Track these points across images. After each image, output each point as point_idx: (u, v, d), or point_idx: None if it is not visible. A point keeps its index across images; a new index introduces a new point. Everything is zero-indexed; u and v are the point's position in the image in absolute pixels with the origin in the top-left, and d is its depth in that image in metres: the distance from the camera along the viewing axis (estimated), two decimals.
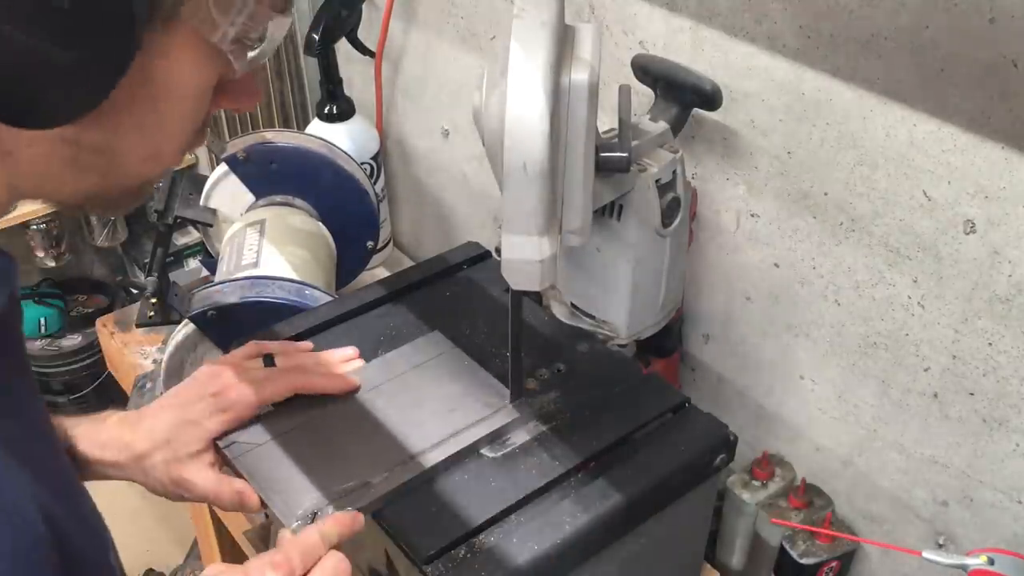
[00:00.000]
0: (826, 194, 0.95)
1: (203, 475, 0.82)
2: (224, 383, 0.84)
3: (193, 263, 2.03)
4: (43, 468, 0.56)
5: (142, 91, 0.52)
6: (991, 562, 0.77)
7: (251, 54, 0.57)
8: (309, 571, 0.68)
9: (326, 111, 1.46)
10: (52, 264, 2.31)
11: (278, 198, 1.29)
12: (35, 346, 2.31)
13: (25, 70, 0.47)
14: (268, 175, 1.28)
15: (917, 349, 0.93)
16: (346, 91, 1.48)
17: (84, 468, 0.82)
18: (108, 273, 2.57)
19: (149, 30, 0.50)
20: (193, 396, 0.85)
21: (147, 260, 1.23)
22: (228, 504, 0.82)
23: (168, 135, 0.56)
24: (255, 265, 1.16)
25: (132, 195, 0.60)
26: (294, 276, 1.14)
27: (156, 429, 0.83)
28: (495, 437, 0.84)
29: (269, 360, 0.89)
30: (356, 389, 0.88)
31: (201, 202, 1.31)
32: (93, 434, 0.83)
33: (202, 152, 2.10)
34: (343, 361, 0.92)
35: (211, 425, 0.83)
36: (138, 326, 1.20)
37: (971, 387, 0.90)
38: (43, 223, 2.21)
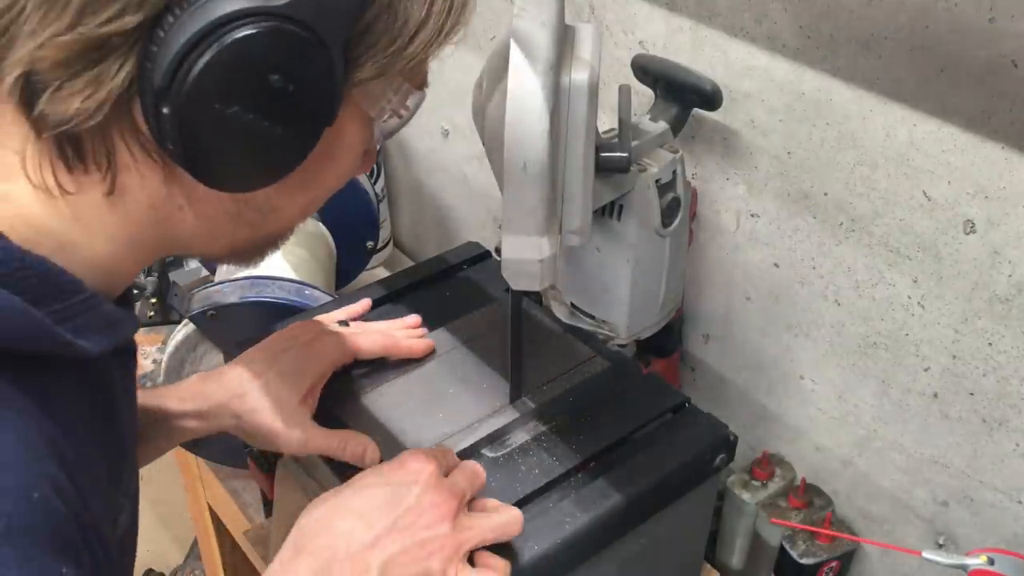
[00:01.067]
0: (826, 194, 0.95)
1: (304, 432, 0.81)
2: (316, 333, 0.86)
3: (193, 263, 2.03)
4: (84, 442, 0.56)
5: (317, 158, 0.56)
6: (991, 562, 0.77)
7: (393, 124, 0.62)
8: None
9: None
10: None
11: None
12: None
13: (233, 139, 0.52)
14: None
15: (917, 349, 0.93)
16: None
17: (171, 427, 0.82)
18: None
19: (341, 105, 0.55)
20: (281, 347, 0.84)
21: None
22: (350, 455, 0.80)
23: (324, 193, 0.62)
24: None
25: (274, 245, 0.65)
26: (294, 276, 1.14)
27: (243, 374, 0.82)
28: (495, 437, 0.84)
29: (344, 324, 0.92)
30: (433, 350, 0.92)
31: None
32: (175, 391, 0.83)
33: None
34: (412, 328, 0.95)
35: (303, 380, 0.82)
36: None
37: (971, 387, 0.90)
38: None
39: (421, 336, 0.94)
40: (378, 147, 0.64)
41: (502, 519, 0.71)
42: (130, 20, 0.48)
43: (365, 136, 0.60)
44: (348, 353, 0.87)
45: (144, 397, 0.80)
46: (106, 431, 0.60)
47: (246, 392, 0.81)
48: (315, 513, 0.68)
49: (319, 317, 0.93)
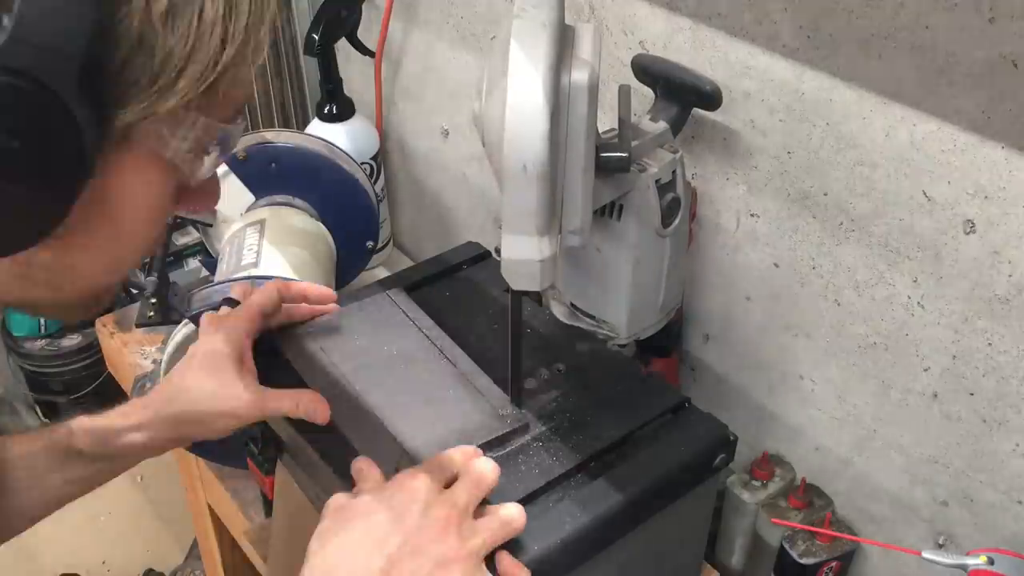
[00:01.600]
0: (826, 194, 0.95)
1: (255, 395, 0.82)
2: (213, 318, 0.88)
3: (193, 263, 2.03)
4: None
5: (95, 210, 0.52)
6: (991, 562, 0.77)
7: (207, 161, 0.58)
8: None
9: (326, 111, 1.46)
10: None
11: (278, 198, 1.29)
12: (35, 346, 2.31)
13: None
14: (268, 175, 1.28)
15: (917, 349, 0.93)
16: (346, 91, 1.48)
17: (118, 444, 0.82)
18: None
19: (101, 153, 0.50)
20: (197, 343, 0.86)
21: (147, 260, 1.22)
22: (302, 410, 0.82)
23: (126, 247, 0.57)
24: (255, 265, 1.16)
25: (90, 302, 0.61)
26: (294, 276, 1.14)
27: (171, 377, 0.84)
28: (495, 437, 0.84)
29: (231, 302, 0.92)
30: (333, 299, 0.93)
31: None
32: (118, 408, 0.84)
33: None
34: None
35: (223, 347, 0.83)
36: (138, 326, 1.20)
37: (971, 387, 0.90)
38: None
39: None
40: (211, 175, 0.60)
41: (505, 515, 0.72)
42: None
43: (161, 178, 0.55)
44: (253, 315, 0.86)
45: (91, 421, 0.82)
46: None
47: (175, 393, 0.83)
48: (325, 552, 0.68)
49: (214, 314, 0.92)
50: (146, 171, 0.54)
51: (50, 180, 0.49)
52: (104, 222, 0.54)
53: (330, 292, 0.95)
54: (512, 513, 0.72)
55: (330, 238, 1.29)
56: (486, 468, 0.74)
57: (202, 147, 0.56)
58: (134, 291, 2.40)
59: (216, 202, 0.62)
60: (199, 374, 0.83)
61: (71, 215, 0.50)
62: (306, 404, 0.82)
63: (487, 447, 0.83)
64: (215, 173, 0.61)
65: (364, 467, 0.77)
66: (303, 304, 0.93)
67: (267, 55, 1.71)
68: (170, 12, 0.49)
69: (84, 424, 0.83)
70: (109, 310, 1.44)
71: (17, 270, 0.53)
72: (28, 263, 0.53)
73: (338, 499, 0.73)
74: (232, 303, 0.91)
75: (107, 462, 0.84)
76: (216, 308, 1.08)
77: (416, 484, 0.70)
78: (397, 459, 0.78)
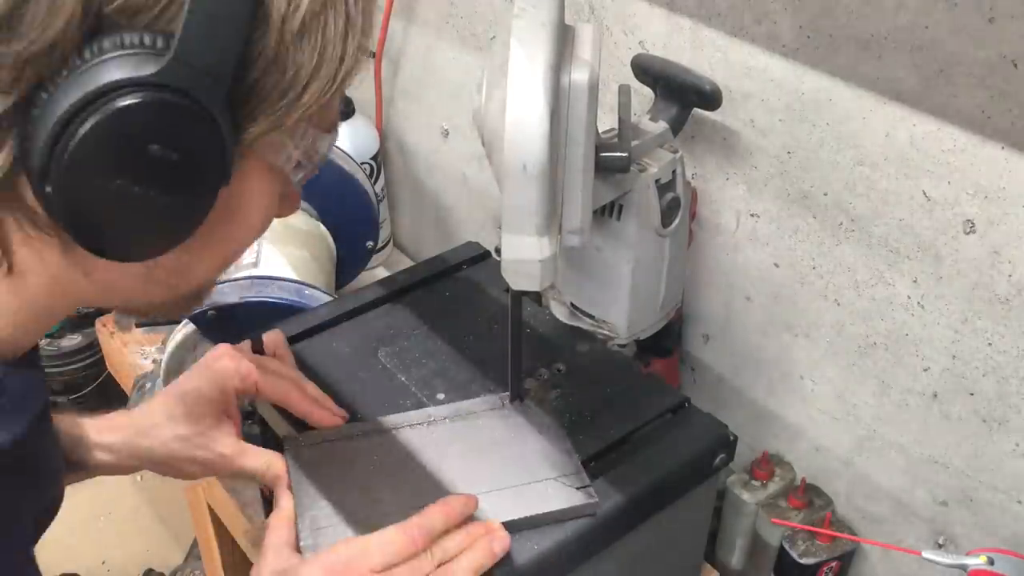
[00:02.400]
0: (826, 194, 0.95)
1: (232, 447, 0.81)
2: (217, 355, 0.84)
3: None
4: None
5: (221, 215, 0.55)
6: (991, 562, 0.77)
7: (308, 168, 0.60)
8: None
9: None
10: None
11: None
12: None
13: (123, 212, 0.51)
14: None
15: (917, 349, 0.93)
16: (346, 91, 1.48)
17: (86, 457, 0.81)
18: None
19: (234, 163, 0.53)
20: (186, 375, 0.84)
21: None
22: (273, 477, 0.80)
23: (237, 248, 0.61)
24: (255, 265, 1.16)
25: (195, 299, 0.63)
26: (294, 276, 1.14)
27: (154, 407, 0.83)
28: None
29: (258, 344, 0.89)
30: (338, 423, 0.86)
31: None
32: (96, 421, 0.83)
33: None
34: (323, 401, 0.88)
35: (210, 392, 0.81)
36: (138, 326, 1.20)
37: (971, 387, 0.90)
38: None
39: (332, 411, 0.87)
40: (299, 189, 0.63)
41: (476, 555, 0.71)
42: (1, 104, 0.47)
43: (273, 185, 0.59)
44: (248, 381, 0.83)
45: (67, 424, 0.81)
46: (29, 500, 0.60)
47: (149, 428, 0.81)
48: None
49: (235, 346, 0.88)
50: (264, 178, 0.57)
51: (198, 190, 0.52)
52: (227, 225, 0.57)
53: (340, 416, 0.88)
54: (485, 548, 0.71)
55: (330, 238, 1.29)
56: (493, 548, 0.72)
57: (308, 155, 0.58)
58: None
59: (296, 207, 0.64)
60: (177, 415, 0.81)
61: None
62: (276, 470, 0.80)
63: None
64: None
65: (280, 495, 0.77)
66: (307, 397, 0.87)
67: None
68: (301, 32, 0.51)
69: (62, 427, 0.81)
70: (109, 308, 1.45)
71: (143, 272, 0.55)
72: (154, 265, 0.55)
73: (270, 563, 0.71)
74: (257, 344, 0.89)
75: (73, 468, 0.82)
76: (214, 310, 1.08)
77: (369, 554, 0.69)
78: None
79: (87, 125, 0.47)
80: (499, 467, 0.80)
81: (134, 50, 0.47)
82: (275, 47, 0.51)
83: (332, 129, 0.60)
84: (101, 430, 0.82)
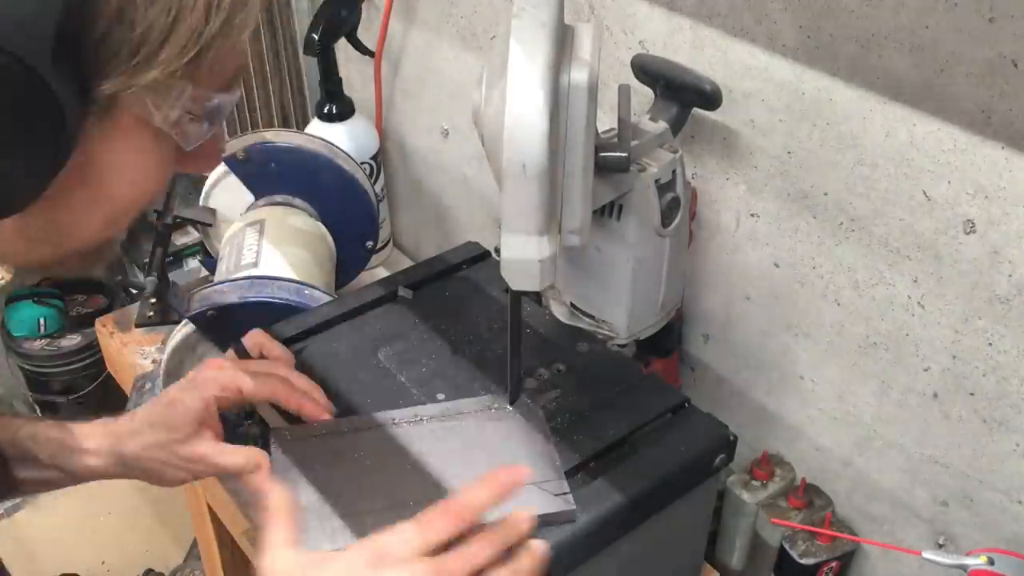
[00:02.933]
0: (826, 194, 0.95)
1: (210, 448, 0.82)
2: (202, 367, 0.86)
3: (193, 263, 2.03)
4: None
5: (84, 174, 0.53)
6: (991, 562, 0.77)
7: (200, 128, 0.58)
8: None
9: (326, 111, 1.46)
10: None
11: (278, 198, 1.29)
12: (35, 346, 2.31)
13: None
14: (268, 175, 1.28)
15: (917, 349, 0.93)
16: (345, 91, 1.48)
17: (72, 460, 0.82)
18: (107, 273, 2.56)
19: (85, 122, 0.51)
20: (171, 386, 0.86)
21: (147, 260, 1.23)
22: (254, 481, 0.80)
23: (120, 205, 0.58)
24: (255, 265, 1.16)
25: (93, 255, 0.61)
26: (294, 276, 1.14)
27: (137, 414, 0.84)
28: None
29: (241, 349, 0.90)
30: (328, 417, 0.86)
31: (200, 202, 1.31)
32: (81, 425, 0.84)
33: None
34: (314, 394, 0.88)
35: (191, 401, 0.82)
36: (137, 326, 1.20)
37: (971, 387, 0.90)
38: None
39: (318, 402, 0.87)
40: (196, 143, 0.60)
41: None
42: None
43: (151, 142, 0.56)
44: (230, 387, 0.84)
45: (57, 431, 0.82)
46: None
47: (130, 434, 0.82)
48: None
49: (221, 358, 0.90)
50: (135, 138, 0.55)
51: (33, 152, 0.50)
52: (94, 184, 0.55)
53: (327, 409, 0.87)
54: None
55: (330, 238, 1.29)
56: (486, 547, 0.67)
57: (192, 114, 0.56)
58: (134, 291, 2.41)
59: (216, 163, 0.63)
60: (156, 422, 0.82)
61: (61, 179, 0.52)
62: (256, 462, 0.80)
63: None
64: (216, 135, 0.61)
65: (266, 490, 0.75)
66: (295, 390, 0.87)
67: (266, 55, 1.72)
68: None
69: (49, 433, 0.83)
70: (109, 309, 1.45)
71: (16, 231, 0.55)
72: (25, 224, 0.54)
73: (277, 570, 0.69)
74: (240, 348, 0.90)
75: (61, 473, 0.83)
76: (214, 310, 1.08)
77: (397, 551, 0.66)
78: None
79: None
80: (481, 468, 0.79)
81: None
82: (119, 2, 0.49)
83: (227, 88, 0.58)
84: (87, 435, 0.83)
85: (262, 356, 0.91)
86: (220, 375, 0.84)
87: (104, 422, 0.85)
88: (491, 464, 0.75)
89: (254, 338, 0.92)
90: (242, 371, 0.85)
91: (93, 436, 0.83)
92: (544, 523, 0.75)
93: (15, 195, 0.52)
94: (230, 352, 0.91)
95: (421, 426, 0.85)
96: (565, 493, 0.78)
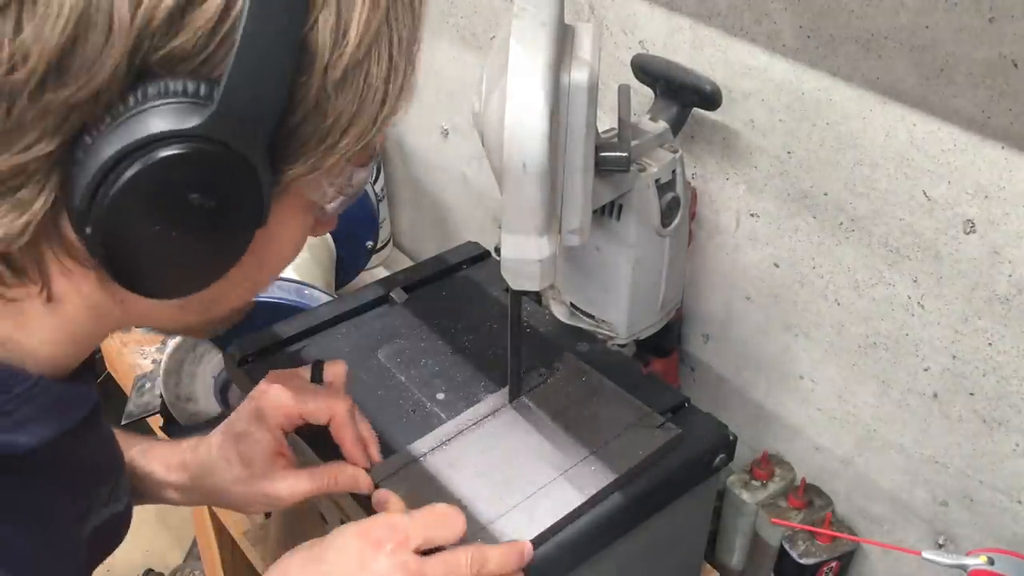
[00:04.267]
0: (826, 194, 0.95)
1: (288, 481, 0.80)
2: (261, 389, 0.83)
3: None
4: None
5: (255, 252, 0.55)
6: (991, 562, 0.77)
7: (344, 197, 0.60)
8: None
9: None
10: None
11: None
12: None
13: (160, 254, 0.51)
14: None
15: (917, 349, 0.93)
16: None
17: (156, 493, 0.83)
18: None
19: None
20: (235, 414, 0.83)
21: None
22: (342, 486, 0.80)
23: (270, 275, 0.62)
24: None
25: (225, 321, 0.64)
26: (293, 276, 1.14)
27: (212, 446, 0.82)
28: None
29: (318, 373, 0.85)
30: (368, 486, 0.82)
31: None
32: (163, 455, 0.84)
33: None
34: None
35: (260, 436, 0.80)
36: (137, 326, 1.20)
37: (971, 387, 0.90)
38: None
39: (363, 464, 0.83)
40: (334, 216, 0.63)
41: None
42: (46, 147, 0.47)
43: (307, 219, 0.60)
44: (293, 415, 0.81)
45: (137, 457, 0.82)
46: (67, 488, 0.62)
47: (209, 470, 0.81)
48: None
49: (290, 371, 0.86)
50: (299, 214, 0.58)
51: (234, 233, 0.53)
52: (260, 258, 0.57)
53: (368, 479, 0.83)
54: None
55: (330, 238, 1.30)
56: (474, 554, 0.70)
57: (343, 189, 0.58)
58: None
59: (335, 225, 0.65)
60: (232, 458, 0.80)
61: None
62: (346, 478, 0.80)
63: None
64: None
65: (360, 477, 0.77)
66: (353, 447, 0.83)
67: None
68: (343, 79, 0.51)
69: (141, 462, 0.83)
70: None
71: (178, 304, 0.56)
72: (189, 297, 0.56)
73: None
74: (318, 371, 0.85)
75: (140, 499, 0.83)
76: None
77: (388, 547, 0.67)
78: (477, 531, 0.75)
79: (128, 173, 0.47)
80: (559, 445, 0.82)
81: (177, 99, 0.47)
82: (316, 94, 0.50)
83: (368, 162, 0.60)
84: (170, 468, 0.83)
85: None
86: (283, 403, 0.81)
87: (185, 449, 0.83)
88: (567, 437, 0.82)
89: (334, 368, 0.86)
90: (304, 394, 0.82)
91: (176, 469, 0.83)
92: (662, 456, 0.82)
93: (210, 272, 0.54)
94: (304, 369, 0.86)
95: (446, 450, 0.83)
96: (663, 423, 0.84)
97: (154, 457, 0.83)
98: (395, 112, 0.55)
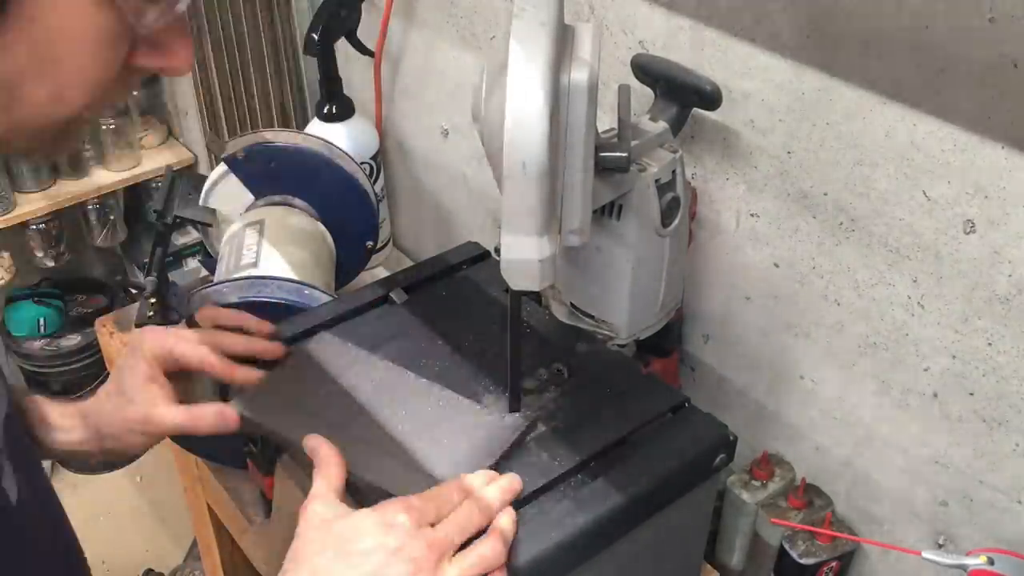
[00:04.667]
0: (826, 194, 0.95)
1: (162, 408, 0.85)
2: (142, 329, 0.91)
3: (192, 263, 2.03)
4: None
5: (29, 30, 0.52)
6: (991, 562, 0.77)
7: (155, 9, 0.55)
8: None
9: (325, 111, 1.46)
10: (51, 264, 2.31)
11: (277, 198, 1.29)
12: (35, 346, 2.32)
13: None
14: (267, 175, 1.28)
15: (917, 349, 0.93)
16: (345, 91, 1.48)
17: (49, 436, 0.87)
18: (107, 273, 2.56)
19: None
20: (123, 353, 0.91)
21: (146, 260, 1.23)
22: (207, 426, 0.85)
23: (69, 78, 0.56)
24: (254, 265, 1.16)
25: (51, 136, 0.59)
26: (293, 276, 1.14)
27: (97, 391, 0.89)
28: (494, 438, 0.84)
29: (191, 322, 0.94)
30: (278, 352, 0.91)
31: (200, 202, 1.30)
32: (59, 406, 0.89)
33: (201, 152, 2.10)
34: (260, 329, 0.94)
35: (132, 362, 0.87)
36: (137, 326, 1.20)
37: (971, 387, 0.90)
38: (42, 223, 2.21)
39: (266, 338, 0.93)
40: (174, 28, 0.57)
41: (483, 551, 0.71)
42: None
43: (99, 14, 0.54)
44: (164, 347, 0.88)
45: (32, 404, 0.88)
46: None
47: (94, 405, 0.88)
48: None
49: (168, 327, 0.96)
50: (82, 9, 0.53)
51: None
52: (40, 44, 0.53)
53: (267, 324, 0.95)
54: (487, 552, 0.71)
55: (329, 238, 1.29)
56: (479, 506, 0.73)
57: None
58: (134, 291, 2.41)
59: (184, 61, 0.60)
60: (111, 389, 0.88)
61: (5, 33, 0.51)
62: (211, 417, 0.85)
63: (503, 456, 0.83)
64: (183, 30, 0.58)
65: (316, 445, 0.77)
66: (239, 337, 0.92)
67: (266, 55, 1.72)
68: None
69: (31, 407, 0.87)
70: (108, 309, 1.45)
71: None
72: None
73: (318, 511, 0.72)
74: (191, 322, 0.94)
75: (45, 451, 0.88)
76: None
77: (398, 519, 0.70)
78: (423, 484, 0.76)
79: None
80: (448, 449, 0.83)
81: None
82: None
83: None
84: (63, 414, 0.88)
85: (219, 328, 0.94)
86: (154, 336, 0.88)
87: (77, 404, 0.89)
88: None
89: (204, 313, 0.95)
90: (177, 336, 0.89)
91: (66, 414, 0.88)
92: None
93: None
94: (181, 323, 0.96)
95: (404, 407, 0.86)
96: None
97: (47, 408, 0.88)
98: None
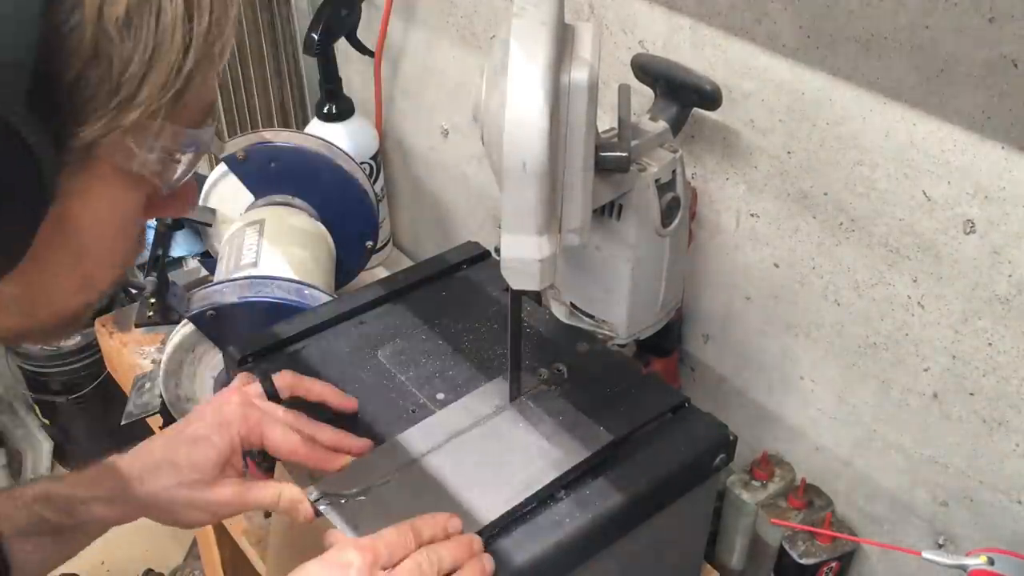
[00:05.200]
0: (826, 194, 0.95)
1: (232, 489, 0.79)
2: (227, 398, 0.81)
3: (192, 263, 2.03)
4: None
5: (59, 235, 0.49)
6: (991, 562, 0.77)
7: (179, 168, 0.54)
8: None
9: (325, 111, 1.46)
10: None
11: (277, 198, 1.29)
12: (34, 346, 2.31)
13: None
14: (267, 175, 1.28)
15: (917, 349, 0.93)
16: (345, 91, 1.48)
17: (80, 516, 0.77)
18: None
19: (61, 176, 0.47)
20: (192, 417, 0.82)
21: (146, 260, 1.22)
22: (283, 506, 0.78)
23: (97, 264, 0.54)
24: (254, 265, 1.16)
25: (68, 323, 0.57)
26: (293, 276, 1.14)
27: (154, 450, 0.79)
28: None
29: (269, 386, 0.84)
30: (366, 450, 0.83)
31: (200, 202, 1.30)
32: (83, 476, 0.79)
33: None
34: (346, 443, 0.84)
35: (218, 441, 0.79)
36: (137, 326, 1.20)
37: (971, 387, 0.90)
38: None
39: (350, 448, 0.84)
40: (175, 186, 0.55)
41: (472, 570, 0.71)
42: None
43: (129, 192, 0.52)
44: (255, 432, 0.81)
45: (52, 486, 0.77)
46: None
47: (149, 472, 0.78)
48: None
49: (247, 388, 0.85)
50: (112, 188, 0.51)
51: (12, 214, 0.45)
52: (69, 245, 0.51)
53: (352, 402, 0.88)
54: None
55: (329, 238, 1.29)
56: (438, 553, 0.71)
57: (171, 155, 0.52)
58: (133, 291, 2.40)
59: (191, 204, 0.59)
60: (180, 461, 0.78)
61: (36, 239, 0.47)
62: (290, 495, 0.77)
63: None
64: (191, 176, 0.57)
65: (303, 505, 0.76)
66: (329, 430, 0.84)
67: (266, 55, 1.72)
68: (127, 17, 0.45)
69: (60, 490, 0.77)
70: (108, 308, 1.45)
71: None
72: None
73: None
74: (269, 386, 0.84)
75: (66, 532, 0.78)
76: (214, 310, 1.07)
77: (349, 557, 0.68)
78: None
79: None
80: (492, 480, 0.80)
81: None
82: (93, 37, 0.44)
83: (202, 123, 0.53)
84: (94, 482, 0.78)
85: (293, 398, 0.87)
86: (248, 414, 0.80)
87: (115, 458, 0.80)
88: (500, 474, 0.79)
89: (284, 379, 0.86)
90: (269, 418, 0.81)
91: (102, 481, 0.78)
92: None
93: (3, 256, 0.46)
94: (256, 386, 0.85)
95: (441, 452, 0.83)
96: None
97: (72, 480, 0.79)
98: (208, 58, 0.49)
